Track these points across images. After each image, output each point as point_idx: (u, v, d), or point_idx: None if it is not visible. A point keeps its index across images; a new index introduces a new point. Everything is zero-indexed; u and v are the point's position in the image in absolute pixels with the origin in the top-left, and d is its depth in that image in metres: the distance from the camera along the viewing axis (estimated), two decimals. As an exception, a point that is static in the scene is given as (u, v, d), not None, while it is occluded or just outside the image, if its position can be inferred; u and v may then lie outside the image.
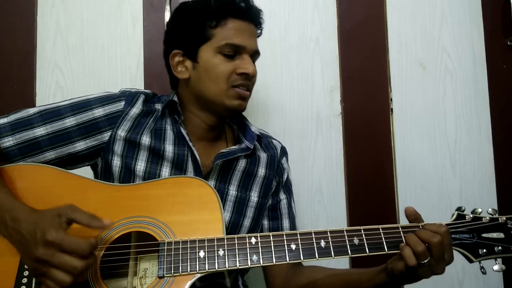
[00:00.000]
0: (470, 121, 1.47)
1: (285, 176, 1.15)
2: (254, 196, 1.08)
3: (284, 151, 1.19)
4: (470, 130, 1.46)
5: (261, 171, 1.10)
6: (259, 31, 1.09)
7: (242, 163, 1.08)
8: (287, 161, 1.19)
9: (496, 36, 1.49)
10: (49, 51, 1.38)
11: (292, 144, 1.41)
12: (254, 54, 1.06)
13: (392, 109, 1.45)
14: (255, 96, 1.42)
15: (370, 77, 1.46)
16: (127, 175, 0.99)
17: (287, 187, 1.16)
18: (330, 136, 1.43)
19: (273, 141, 1.18)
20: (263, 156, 1.12)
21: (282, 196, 1.14)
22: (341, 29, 1.46)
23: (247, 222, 1.06)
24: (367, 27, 1.47)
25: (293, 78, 1.44)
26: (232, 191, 1.05)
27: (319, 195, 1.41)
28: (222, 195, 1.04)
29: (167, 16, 1.40)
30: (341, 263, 1.37)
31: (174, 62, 1.06)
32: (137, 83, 1.39)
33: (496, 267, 0.86)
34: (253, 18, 1.06)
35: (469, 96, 1.47)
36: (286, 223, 1.12)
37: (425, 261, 0.80)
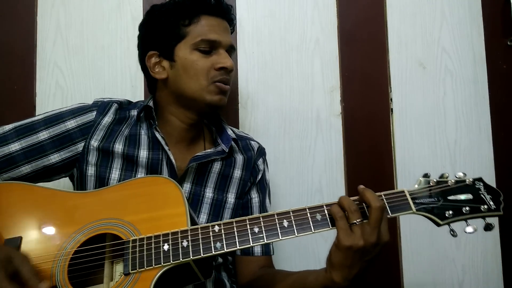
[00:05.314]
0: (470, 121, 1.46)
1: (259, 176, 1.15)
2: (231, 198, 1.09)
3: (261, 152, 1.19)
4: (470, 130, 1.46)
5: (237, 173, 1.11)
6: (231, 28, 1.12)
7: (217, 166, 1.09)
8: (264, 161, 1.19)
9: (496, 36, 1.49)
10: (49, 51, 1.38)
11: (292, 144, 1.41)
12: (230, 49, 1.08)
13: (392, 109, 1.45)
14: (255, 96, 1.42)
15: (370, 77, 1.46)
16: (102, 184, 0.99)
17: (261, 186, 1.16)
18: (330, 136, 1.43)
19: (251, 142, 1.18)
20: (239, 158, 1.12)
21: (254, 194, 1.14)
22: (341, 29, 1.46)
23: None
24: (367, 27, 1.47)
25: (293, 78, 1.44)
26: (209, 193, 1.06)
27: (319, 195, 1.41)
28: (199, 197, 1.05)
29: (167, 16, 1.40)
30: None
31: (150, 63, 1.07)
32: (137, 82, 1.39)
33: (468, 229, 0.82)
34: (225, 14, 1.08)
35: (469, 96, 1.47)
36: None
37: (357, 220, 0.78)
